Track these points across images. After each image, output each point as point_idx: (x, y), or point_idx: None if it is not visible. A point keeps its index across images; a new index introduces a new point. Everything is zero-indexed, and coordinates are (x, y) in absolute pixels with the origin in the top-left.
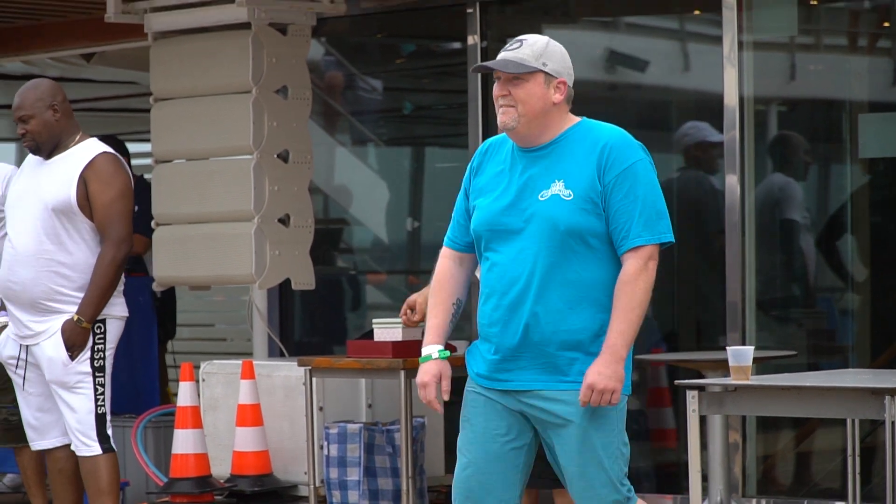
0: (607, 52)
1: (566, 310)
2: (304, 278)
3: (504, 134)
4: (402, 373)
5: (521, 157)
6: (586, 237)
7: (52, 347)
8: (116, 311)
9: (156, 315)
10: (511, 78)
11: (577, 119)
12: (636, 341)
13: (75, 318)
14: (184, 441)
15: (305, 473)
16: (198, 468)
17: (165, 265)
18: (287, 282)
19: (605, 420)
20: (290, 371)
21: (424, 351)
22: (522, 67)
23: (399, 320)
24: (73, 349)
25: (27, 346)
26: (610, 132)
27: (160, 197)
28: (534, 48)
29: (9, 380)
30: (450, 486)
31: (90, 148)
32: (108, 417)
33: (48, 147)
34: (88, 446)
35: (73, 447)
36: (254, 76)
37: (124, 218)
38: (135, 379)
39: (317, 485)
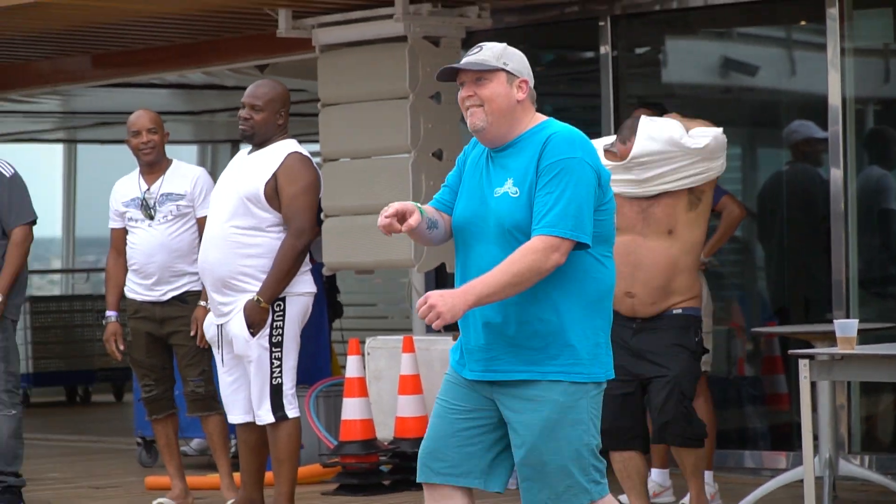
0: (722, 59)
1: (523, 303)
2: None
3: None
4: None
5: (489, 157)
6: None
7: (237, 325)
8: (298, 287)
9: (325, 296)
10: (475, 79)
11: (542, 119)
12: (749, 315)
13: (255, 298)
14: (352, 408)
15: None
16: (364, 432)
17: (334, 252)
18: (442, 265)
19: (574, 410)
20: (446, 345)
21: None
22: (485, 66)
23: None
24: (253, 326)
25: (221, 325)
26: (558, 129)
27: (328, 192)
28: (493, 51)
29: (195, 355)
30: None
31: (285, 147)
32: (286, 389)
33: (258, 140)
34: (264, 416)
35: (255, 417)
36: (410, 83)
37: (307, 211)
38: (307, 354)
39: None
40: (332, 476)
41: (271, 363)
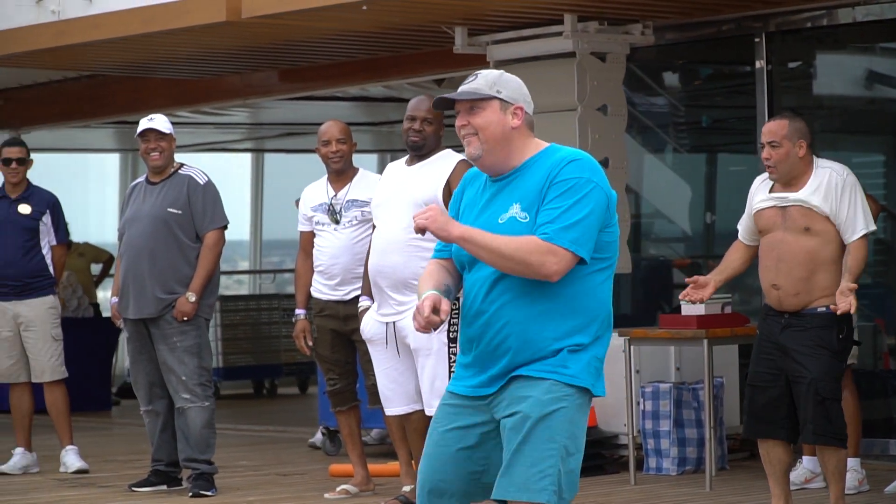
0: (867, 71)
1: (532, 322)
2: (622, 264)
3: None
4: (705, 341)
5: (490, 186)
6: None
7: None
8: None
9: None
10: (469, 108)
11: (544, 145)
12: (893, 311)
13: None
14: None
15: (625, 425)
16: None
17: None
18: None
19: (556, 418)
20: (613, 341)
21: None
22: (476, 95)
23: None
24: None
25: (393, 323)
26: (569, 153)
27: None
28: (487, 79)
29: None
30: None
31: (451, 157)
32: None
33: (426, 150)
34: (434, 406)
35: (427, 407)
36: (579, 96)
37: None
38: None
39: (634, 434)
40: None
41: (449, 357)
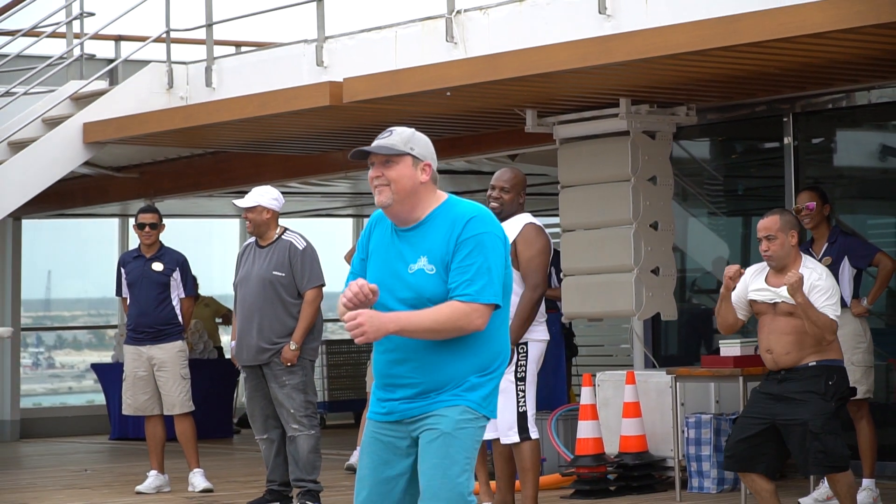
0: (881, 146)
1: (438, 359)
2: (669, 312)
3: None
4: (741, 378)
5: (397, 234)
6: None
7: None
8: (536, 335)
9: (563, 339)
10: (384, 161)
11: (444, 197)
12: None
13: None
14: (585, 429)
15: (672, 450)
16: (595, 448)
17: (571, 304)
18: (657, 314)
19: (458, 438)
20: (661, 378)
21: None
22: (393, 150)
23: (737, 340)
24: None
25: None
26: (468, 208)
27: (566, 255)
28: (402, 136)
29: None
30: None
31: (522, 219)
32: (530, 414)
33: (504, 215)
34: (512, 437)
35: (501, 437)
36: (632, 169)
37: (541, 269)
38: (549, 385)
39: (679, 458)
40: (569, 483)
41: (517, 394)
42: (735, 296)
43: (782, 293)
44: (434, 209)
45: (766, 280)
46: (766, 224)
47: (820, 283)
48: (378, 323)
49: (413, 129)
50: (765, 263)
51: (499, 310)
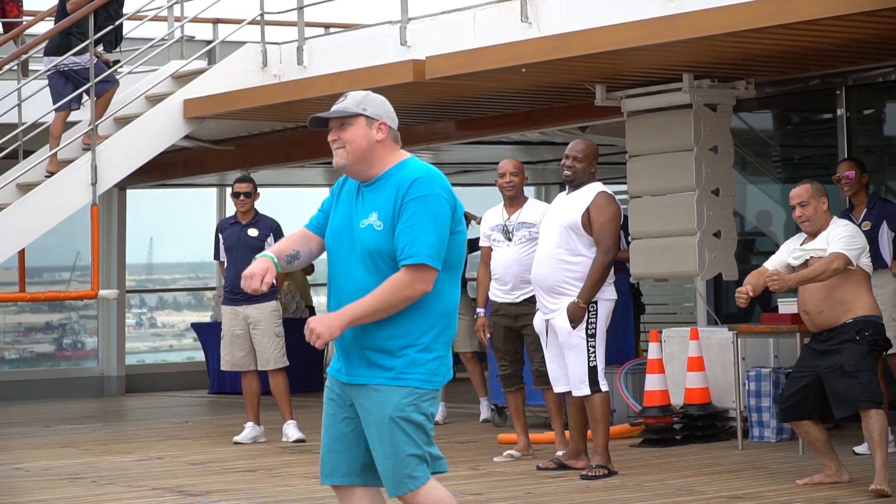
0: None
1: (384, 323)
2: (730, 272)
3: None
4: (798, 334)
5: (359, 190)
6: (395, 259)
7: (562, 320)
8: (606, 294)
9: (632, 298)
10: (339, 124)
11: (405, 156)
12: None
13: (576, 300)
14: (652, 382)
15: (734, 401)
16: (661, 399)
17: (639, 265)
18: (719, 275)
19: (413, 409)
20: (723, 334)
21: (261, 254)
22: (345, 112)
23: (794, 298)
24: (573, 322)
25: (548, 320)
26: (418, 168)
27: (635, 221)
28: (355, 98)
29: (540, 343)
30: None
31: (595, 188)
32: (600, 368)
33: (577, 183)
34: (583, 389)
35: (573, 390)
36: (695, 139)
37: (612, 235)
38: (618, 341)
39: (741, 409)
40: (637, 433)
41: (587, 350)
42: (779, 263)
43: (810, 250)
44: (390, 167)
45: (802, 245)
46: (798, 192)
47: (839, 230)
48: (329, 322)
49: (367, 91)
50: (799, 234)
51: (450, 273)
